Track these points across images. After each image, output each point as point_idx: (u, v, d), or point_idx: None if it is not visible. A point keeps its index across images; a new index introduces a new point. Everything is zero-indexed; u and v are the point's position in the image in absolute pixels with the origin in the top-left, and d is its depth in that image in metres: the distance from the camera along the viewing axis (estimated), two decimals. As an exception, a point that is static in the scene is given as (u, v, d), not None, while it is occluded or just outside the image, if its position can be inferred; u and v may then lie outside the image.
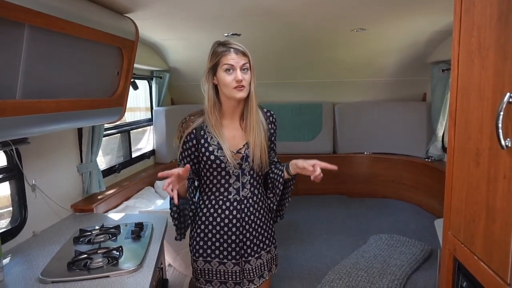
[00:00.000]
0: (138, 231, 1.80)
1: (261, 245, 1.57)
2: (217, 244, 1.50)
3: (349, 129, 4.01)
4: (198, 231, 1.53)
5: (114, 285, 1.36)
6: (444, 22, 2.49)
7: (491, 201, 0.88)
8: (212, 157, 1.45)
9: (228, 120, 1.51)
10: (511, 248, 0.80)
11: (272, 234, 1.63)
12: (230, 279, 1.51)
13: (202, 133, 1.47)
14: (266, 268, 1.60)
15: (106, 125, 2.57)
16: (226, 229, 1.49)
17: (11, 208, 1.82)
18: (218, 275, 1.51)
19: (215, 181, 1.50)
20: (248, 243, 1.52)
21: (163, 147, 3.61)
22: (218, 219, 1.50)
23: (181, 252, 2.25)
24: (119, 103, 2.05)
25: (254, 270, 1.55)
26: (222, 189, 1.50)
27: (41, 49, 1.36)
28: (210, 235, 1.50)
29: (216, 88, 1.48)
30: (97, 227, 1.86)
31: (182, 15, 2.26)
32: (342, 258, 2.59)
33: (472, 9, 0.99)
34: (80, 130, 2.27)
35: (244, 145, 1.50)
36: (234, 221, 1.49)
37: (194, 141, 1.48)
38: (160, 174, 1.30)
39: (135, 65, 2.19)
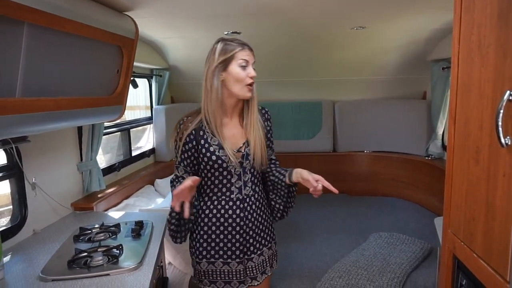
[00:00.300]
0: (138, 229, 1.80)
1: (263, 241, 1.58)
2: (221, 244, 1.49)
3: (349, 128, 4.01)
4: (201, 233, 1.50)
5: (114, 283, 1.36)
6: (444, 20, 2.49)
7: (491, 199, 0.89)
8: (214, 157, 1.43)
9: (227, 119, 1.49)
10: (511, 246, 0.80)
11: (272, 230, 1.64)
12: (234, 278, 1.51)
13: (201, 133, 1.44)
14: (268, 264, 1.61)
15: (106, 124, 2.57)
16: (230, 228, 1.48)
17: (11, 206, 1.82)
18: (222, 275, 1.50)
19: (216, 181, 1.48)
20: (251, 240, 1.53)
21: (163, 145, 3.61)
22: (222, 219, 1.48)
23: (181, 251, 2.25)
24: (119, 101, 2.05)
25: (256, 267, 1.55)
26: (224, 189, 1.48)
27: (40, 48, 1.36)
28: (213, 236, 1.48)
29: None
30: (97, 226, 1.86)
31: (182, 13, 2.25)
32: (342, 256, 2.60)
33: (472, 7, 0.99)
34: (80, 129, 2.27)
35: (244, 143, 1.50)
36: (238, 220, 1.49)
37: (194, 142, 1.44)
38: (176, 193, 1.30)
39: (135, 63, 2.18)
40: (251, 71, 1.41)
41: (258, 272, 1.56)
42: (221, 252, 1.49)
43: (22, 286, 1.36)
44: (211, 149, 1.43)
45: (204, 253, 1.49)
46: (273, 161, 1.65)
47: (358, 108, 3.98)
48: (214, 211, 1.49)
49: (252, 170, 1.52)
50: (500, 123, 0.79)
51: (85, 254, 1.53)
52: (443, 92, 3.19)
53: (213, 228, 1.48)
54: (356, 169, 4.04)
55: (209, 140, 1.44)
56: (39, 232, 1.86)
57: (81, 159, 2.29)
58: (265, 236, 1.58)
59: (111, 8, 1.86)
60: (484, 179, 0.92)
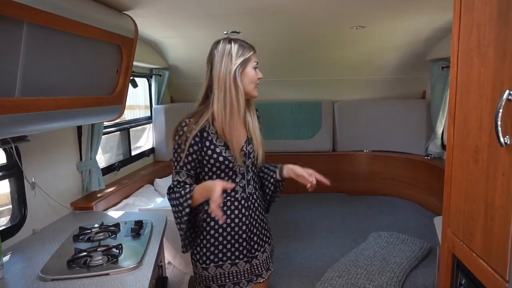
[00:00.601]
0: (137, 229, 1.80)
1: (265, 238, 1.59)
2: (229, 246, 1.47)
3: (348, 127, 4.01)
4: (208, 237, 1.47)
5: (114, 283, 1.36)
6: (444, 20, 2.49)
7: (490, 199, 0.89)
8: (221, 158, 1.41)
9: (239, 118, 1.49)
10: (510, 245, 0.80)
11: (269, 226, 1.66)
12: (242, 278, 1.50)
13: (205, 135, 1.41)
14: (270, 261, 1.63)
15: (106, 123, 2.57)
16: (236, 228, 1.47)
17: (10, 206, 1.82)
18: (231, 277, 1.49)
19: None
20: (255, 238, 1.53)
21: (162, 145, 3.61)
22: (229, 220, 1.46)
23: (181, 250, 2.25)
24: (119, 101, 2.05)
25: (261, 264, 1.56)
26: (228, 189, 1.46)
27: (40, 47, 1.36)
28: (220, 238, 1.46)
29: None
30: (96, 225, 1.86)
31: (182, 13, 2.25)
32: (341, 256, 2.60)
33: (472, 6, 0.99)
34: (79, 128, 2.27)
35: (245, 142, 1.50)
36: (244, 219, 1.48)
37: (200, 144, 1.41)
38: (218, 201, 1.24)
39: (135, 63, 2.18)
40: (259, 73, 1.47)
41: (263, 269, 1.57)
42: (228, 254, 1.47)
43: (21, 285, 1.36)
44: (217, 150, 1.42)
45: (212, 257, 1.46)
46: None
47: (357, 107, 3.98)
48: None
49: (253, 168, 1.53)
50: (499, 123, 0.79)
51: (85, 253, 1.53)
52: (442, 91, 3.19)
53: (220, 230, 1.46)
54: (355, 168, 4.04)
55: (214, 141, 1.42)
56: (39, 231, 1.86)
57: (81, 159, 2.29)
58: (265, 232, 1.60)
59: (110, 8, 1.86)
60: (483, 178, 0.92)
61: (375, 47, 3.17)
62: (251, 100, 1.51)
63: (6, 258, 1.55)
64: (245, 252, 1.50)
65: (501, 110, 0.79)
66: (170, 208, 1.43)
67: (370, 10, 2.25)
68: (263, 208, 1.60)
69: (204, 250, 1.47)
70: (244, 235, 1.49)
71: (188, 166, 1.41)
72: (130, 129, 3.22)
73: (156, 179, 3.17)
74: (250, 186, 1.51)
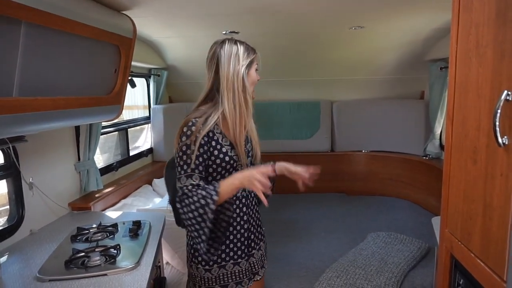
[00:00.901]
0: (135, 229, 1.80)
1: (260, 236, 1.61)
2: (231, 245, 1.47)
3: (347, 127, 4.02)
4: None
5: (112, 283, 1.35)
6: (442, 20, 2.49)
7: (488, 199, 0.89)
8: (227, 158, 1.40)
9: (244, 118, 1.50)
10: (508, 246, 0.80)
11: (262, 223, 1.67)
12: (244, 277, 1.50)
13: (211, 134, 1.39)
14: (265, 258, 1.64)
15: (104, 123, 2.56)
16: (238, 227, 1.48)
17: (8, 206, 1.81)
18: (233, 277, 1.48)
19: None
20: (252, 237, 1.54)
21: (161, 145, 3.60)
22: (231, 220, 1.46)
23: (179, 251, 2.24)
24: (117, 101, 2.04)
25: (257, 262, 1.57)
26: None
27: (38, 47, 1.35)
28: (223, 238, 1.46)
29: None
30: (94, 225, 1.86)
31: (180, 13, 2.25)
32: (340, 256, 2.60)
33: (470, 7, 0.99)
34: (77, 128, 2.26)
35: (245, 141, 1.50)
36: (245, 217, 1.49)
37: (208, 144, 1.39)
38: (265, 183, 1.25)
39: (133, 63, 2.18)
40: (258, 74, 1.50)
41: (259, 267, 1.58)
42: (231, 254, 1.47)
43: (19, 286, 1.36)
44: (224, 149, 1.41)
45: (215, 258, 1.45)
46: None
47: (356, 108, 3.98)
48: None
49: (251, 167, 1.53)
50: (497, 123, 0.79)
51: (83, 254, 1.52)
52: (441, 92, 3.20)
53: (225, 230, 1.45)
54: (354, 168, 4.04)
55: (220, 141, 1.41)
56: (36, 232, 1.85)
57: (79, 159, 2.29)
58: (260, 230, 1.62)
59: (109, 7, 1.85)
60: (482, 178, 0.92)
61: (374, 47, 3.17)
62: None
63: (3, 259, 1.54)
64: (246, 251, 1.50)
65: (499, 111, 0.79)
66: (169, 208, 1.41)
67: (369, 11, 2.25)
68: (258, 206, 1.61)
69: (213, 250, 1.44)
70: (245, 234, 1.49)
71: (200, 168, 1.35)
72: (129, 129, 3.22)
73: (154, 179, 3.16)
74: None
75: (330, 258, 2.59)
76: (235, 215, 1.47)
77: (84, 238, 1.73)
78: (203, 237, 1.32)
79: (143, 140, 3.76)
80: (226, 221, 1.37)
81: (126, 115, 3.47)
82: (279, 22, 2.52)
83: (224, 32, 2.63)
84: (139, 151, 3.41)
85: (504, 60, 0.81)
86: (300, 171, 1.46)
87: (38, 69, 1.39)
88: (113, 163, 2.83)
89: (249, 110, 1.45)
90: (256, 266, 1.56)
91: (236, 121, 1.40)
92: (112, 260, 1.50)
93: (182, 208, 1.31)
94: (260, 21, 2.48)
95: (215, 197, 1.27)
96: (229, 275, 1.47)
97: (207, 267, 1.45)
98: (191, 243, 1.48)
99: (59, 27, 1.41)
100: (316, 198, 3.77)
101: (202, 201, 1.27)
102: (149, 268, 1.47)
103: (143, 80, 3.57)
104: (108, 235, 1.77)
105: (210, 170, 1.42)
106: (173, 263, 2.32)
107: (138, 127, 3.59)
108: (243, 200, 1.49)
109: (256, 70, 1.49)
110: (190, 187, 1.31)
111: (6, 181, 1.76)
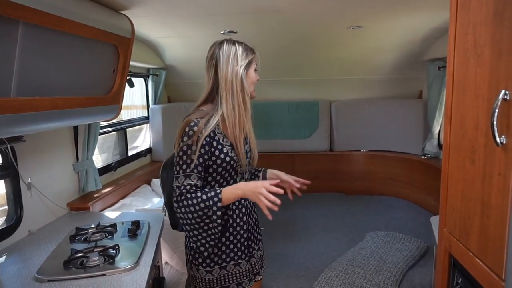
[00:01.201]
0: (134, 229, 1.79)
1: (258, 236, 1.62)
2: (231, 246, 1.47)
3: (345, 127, 4.02)
4: None
5: (111, 284, 1.35)
6: (441, 20, 2.50)
7: (486, 198, 0.89)
8: (228, 158, 1.41)
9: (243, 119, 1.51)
10: (506, 244, 0.80)
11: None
12: (244, 278, 1.50)
13: (212, 135, 1.39)
14: (264, 258, 1.65)
15: (102, 123, 2.56)
16: (238, 228, 1.48)
17: (6, 207, 1.80)
18: (234, 278, 1.48)
19: (224, 182, 1.45)
20: (252, 237, 1.54)
21: (159, 145, 3.60)
22: (231, 220, 1.46)
23: (178, 251, 2.24)
24: (115, 101, 2.04)
25: (257, 262, 1.58)
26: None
27: (35, 47, 1.35)
28: (223, 239, 1.46)
29: None
30: (93, 226, 1.86)
31: (178, 13, 2.25)
32: (339, 255, 2.60)
33: (468, 6, 0.99)
34: (76, 128, 2.26)
35: (243, 142, 1.50)
36: (245, 218, 1.49)
37: (210, 145, 1.38)
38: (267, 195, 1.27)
39: (131, 63, 2.18)
40: (257, 74, 1.51)
41: (259, 267, 1.59)
42: (231, 254, 1.47)
43: (17, 286, 1.35)
44: (224, 150, 1.41)
45: (216, 259, 1.45)
46: None
47: (354, 107, 3.99)
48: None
49: (249, 168, 1.55)
50: (495, 122, 0.80)
51: (81, 254, 1.52)
52: (439, 91, 3.20)
53: (223, 230, 1.46)
54: (352, 168, 4.05)
55: (221, 141, 1.41)
56: (35, 232, 1.85)
57: (77, 159, 2.28)
58: (259, 231, 1.63)
59: (107, 7, 1.85)
60: (480, 178, 0.92)
61: (372, 47, 3.17)
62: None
63: (1, 259, 1.54)
64: (246, 251, 1.50)
65: (497, 110, 0.79)
66: (164, 210, 1.40)
67: (367, 10, 2.25)
68: (256, 207, 1.61)
69: (216, 250, 1.46)
70: (245, 234, 1.50)
71: (200, 168, 1.35)
72: (127, 129, 3.22)
73: (153, 179, 3.16)
74: None
75: (329, 257, 2.59)
76: (234, 215, 1.47)
77: (82, 238, 1.73)
78: (208, 239, 1.36)
79: (141, 140, 3.75)
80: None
81: (124, 115, 3.47)
82: (278, 22, 2.52)
83: (222, 32, 2.62)
84: (138, 151, 3.41)
85: (502, 59, 0.82)
86: (291, 180, 1.53)
87: (36, 69, 1.39)
88: (112, 163, 2.83)
89: (247, 111, 1.45)
90: (256, 266, 1.57)
91: (235, 122, 1.41)
92: (111, 260, 1.50)
93: (179, 208, 1.32)
94: (258, 21, 2.48)
95: (219, 204, 1.30)
96: (230, 276, 1.47)
97: (208, 268, 1.45)
98: (190, 245, 1.47)
99: (57, 27, 1.40)
100: (315, 198, 3.77)
101: (207, 203, 1.30)
102: (148, 268, 1.47)
103: (141, 80, 3.57)
104: (107, 235, 1.77)
105: (210, 170, 1.42)
106: (172, 263, 2.32)
107: (136, 127, 3.59)
108: (242, 201, 1.49)
109: (256, 70, 1.49)
110: (188, 187, 1.32)
111: (4, 182, 1.76)
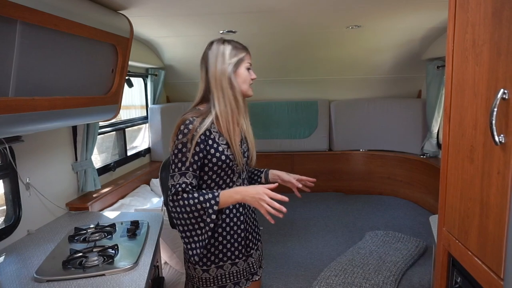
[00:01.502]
0: (133, 229, 1.79)
1: (257, 236, 1.61)
2: (228, 245, 1.47)
3: (344, 126, 4.03)
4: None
5: (110, 284, 1.35)
6: (439, 19, 2.50)
7: (485, 197, 0.89)
8: (223, 157, 1.40)
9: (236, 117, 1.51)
10: (505, 244, 0.80)
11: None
12: (242, 277, 1.50)
13: (208, 133, 1.39)
14: (262, 258, 1.65)
15: (101, 123, 2.55)
16: (235, 228, 1.48)
17: (5, 207, 1.80)
18: (231, 277, 1.48)
19: (221, 181, 1.45)
20: (250, 237, 1.54)
21: (158, 145, 3.60)
22: (228, 220, 1.46)
23: (177, 250, 2.24)
24: (114, 100, 2.04)
25: (255, 262, 1.58)
26: (227, 188, 1.46)
27: (34, 47, 1.35)
28: (220, 238, 1.46)
29: None
30: (92, 226, 1.85)
31: (177, 12, 2.24)
32: (338, 255, 2.61)
33: (467, 6, 0.99)
34: (74, 128, 2.26)
35: (240, 141, 1.50)
36: (242, 218, 1.49)
37: (205, 143, 1.38)
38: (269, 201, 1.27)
39: (130, 63, 2.17)
40: (252, 73, 1.48)
41: (257, 267, 1.59)
42: (228, 254, 1.47)
43: (16, 287, 1.35)
44: (220, 148, 1.40)
45: (213, 258, 1.45)
46: None
47: (353, 107, 3.99)
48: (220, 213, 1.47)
49: (247, 167, 1.55)
50: (494, 121, 0.80)
51: (80, 254, 1.52)
52: (438, 90, 3.21)
53: (220, 230, 1.46)
54: (352, 167, 4.05)
55: (217, 140, 1.41)
56: (34, 232, 1.84)
57: (76, 159, 2.28)
58: (258, 230, 1.62)
59: (105, 7, 1.85)
60: (479, 177, 0.92)
61: (371, 46, 3.18)
62: (245, 99, 1.51)
63: (0, 260, 1.54)
64: (243, 251, 1.50)
65: (495, 109, 0.80)
66: (163, 209, 1.40)
67: (366, 10, 2.25)
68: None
69: (205, 251, 1.46)
70: (242, 234, 1.49)
71: (195, 166, 1.35)
72: (126, 129, 3.21)
73: (152, 179, 3.16)
74: (245, 185, 1.52)
75: (328, 257, 2.59)
76: (231, 215, 1.47)
77: (81, 238, 1.73)
78: (196, 239, 1.36)
79: (140, 140, 3.75)
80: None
81: (123, 115, 3.46)
82: (277, 22, 2.52)
83: (221, 32, 2.62)
84: (137, 151, 3.41)
85: (500, 58, 0.82)
86: (293, 181, 1.54)
87: (34, 69, 1.38)
88: (111, 163, 2.83)
89: (240, 109, 1.45)
90: (254, 266, 1.57)
91: (229, 119, 1.41)
92: (110, 260, 1.49)
93: (174, 207, 1.31)
94: (257, 21, 2.48)
95: (215, 207, 1.29)
96: (227, 276, 1.47)
97: (204, 267, 1.45)
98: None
99: (55, 26, 1.40)
100: (314, 197, 3.78)
101: (204, 204, 1.29)
102: (147, 268, 1.47)
103: (140, 80, 3.57)
104: (106, 235, 1.76)
105: (206, 169, 1.41)
106: (171, 263, 2.32)
107: (135, 127, 3.59)
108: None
109: (249, 69, 1.47)
110: (183, 185, 1.31)
111: (3, 182, 1.76)
